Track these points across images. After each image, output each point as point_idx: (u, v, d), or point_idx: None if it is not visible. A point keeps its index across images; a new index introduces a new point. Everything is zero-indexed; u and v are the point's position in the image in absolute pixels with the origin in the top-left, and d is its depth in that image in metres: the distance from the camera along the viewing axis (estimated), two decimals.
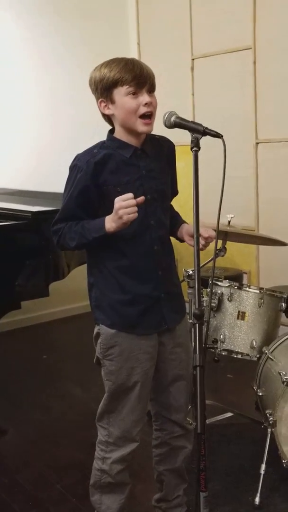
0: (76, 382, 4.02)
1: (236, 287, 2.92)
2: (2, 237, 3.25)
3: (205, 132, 1.92)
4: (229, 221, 3.06)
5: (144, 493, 2.69)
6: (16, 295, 3.29)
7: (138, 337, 2.14)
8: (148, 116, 2.04)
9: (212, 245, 2.25)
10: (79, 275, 3.64)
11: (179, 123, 1.99)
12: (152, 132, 2.15)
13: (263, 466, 2.63)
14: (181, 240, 2.29)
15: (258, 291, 2.91)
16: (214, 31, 4.85)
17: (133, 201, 1.95)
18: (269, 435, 2.63)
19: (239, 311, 2.90)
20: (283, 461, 2.59)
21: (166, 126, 2.02)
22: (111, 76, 2.01)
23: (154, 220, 2.11)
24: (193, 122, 1.96)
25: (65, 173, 2.14)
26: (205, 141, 1.94)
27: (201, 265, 1.88)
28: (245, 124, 4.65)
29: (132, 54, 5.61)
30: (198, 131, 1.92)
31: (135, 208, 1.95)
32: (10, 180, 4.92)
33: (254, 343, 2.87)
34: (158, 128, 2.12)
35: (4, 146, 5.09)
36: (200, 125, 1.93)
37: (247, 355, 2.90)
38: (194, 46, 5.06)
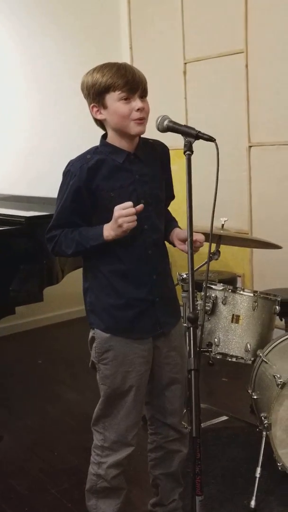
0: (71, 387, 4.02)
1: (230, 291, 2.92)
2: None
3: (198, 136, 1.92)
4: (223, 225, 3.07)
5: (140, 498, 2.69)
6: (10, 300, 3.28)
7: (133, 341, 2.14)
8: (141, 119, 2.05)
9: (205, 249, 2.25)
10: (73, 280, 3.64)
11: (172, 127, 1.99)
12: (146, 136, 2.15)
13: (258, 470, 2.63)
14: (173, 244, 2.29)
15: (252, 294, 2.91)
16: (206, 35, 4.87)
17: (133, 210, 1.97)
18: (264, 438, 2.64)
19: (233, 315, 2.90)
20: (278, 464, 2.60)
21: (159, 130, 2.03)
22: (103, 81, 2.01)
23: (148, 225, 2.11)
24: (186, 126, 1.96)
25: (55, 177, 2.14)
26: (197, 144, 1.94)
27: (195, 269, 1.88)
28: (237, 128, 4.66)
29: (124, 58, 5.62)
30: (191, 135, 1.93)
31: (135, 217, 1.97)
32: (2, 184, 4.91)
33: (249, 346, 2.87)
34: (151, 132, 2.13)
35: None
36: (193, 129, 1.94)
37: (242, 358, 2.90)
38: (186, 50, 5.07)
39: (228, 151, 4.51)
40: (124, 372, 2.14)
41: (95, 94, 2.04)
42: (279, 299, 2.96)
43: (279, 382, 2.56)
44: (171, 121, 2.00)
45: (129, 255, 2.11)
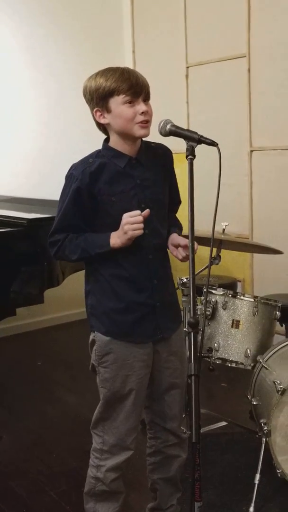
0: (71, 389, 4.01)
1: (230, 296, 2.92)
2: None
3: (201, 140, 1.92)
4: (224, 229, 3.06)
5: (138, 502, 2.68)
6: (11, 302, 3.28)
7: (133, 345, 2.14)
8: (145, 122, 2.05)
9: (206, 253, 2.25)
10: (73, 282, 3.64)
11: (175, 131, 1.99)
12: (148, 140, 2.15)
13: (257, 476, 2.62)
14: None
15: (252, 300, 2.91)
16: (208, 39, 4.87)
17: (140, 218, 1.98)
18: (264, 444, 2.63)
19: (233, 320, 2.89)
20: (278, 471, 2.59)
21: (161, 134, 2.03)
22: (107, 85, 2.01)
23: (148, 229, 2.11)
24: (188, 130, 1.96)
25: (60, 180, 2.14)
26: (199, 149, 1.94)
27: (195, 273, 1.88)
28: (239, 132, 4.67)
29: (127, 62, 5.63)
30: (193, 139, 1.92)
31: (141, 225, 1.99)
32: (5, 186, 4.92)
33: (249, 352, 2.87)
34: (154, 136, 2.13)
35: (1, 154, 5.10)
36: (196, 133, 1.93)
37: (242, 363, 2.90)
38: (189, 54, 5.08)
39: (229, 155, 4.51)
40: (123, 376, 2.14)
41: (99, 98, 2.04)
42: (279, 304, 2.95)
43: (279, 389, 2.56)
44: (173, 125, 2.00)
45: (129, 260, 2.11)
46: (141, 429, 2.29)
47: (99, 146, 2.16)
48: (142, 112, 2.03)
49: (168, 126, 2.00)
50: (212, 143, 1.93)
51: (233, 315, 2.90)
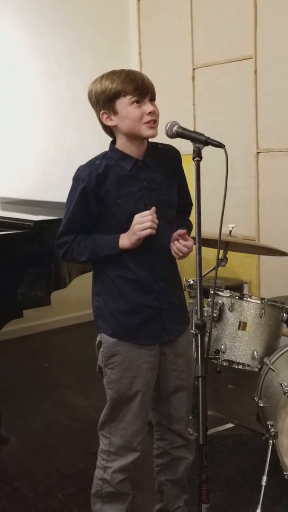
0: (78, 391, 4.02)
1: (237, 297, 2.92)
2: (4, 245, 3.26)
3: (207, 142, 1.93)
4: (230, 231, 3.06)
5: (145, 504, 2.68)
6: (18, 304, 3.29)
7: (139, 346, 2.14)
8: (153, 122, 2.06)
9: (213, 255, 2.25)
10: (80, 284, 3.65)
11: (181, 133, 1.99)
12: (156, 141, 2.15)
13: (264, 478, 2.61)
14: None
15: (259, 302, 2.91)
16: (215, 40, 4.88)
17: (149, 217, 1.99)
18: (271, 446, 2.62)
19: (240, 322, 2.89)
20: (285, 473, 2.58)
21: (168, 136, 2.03)
22: (113, 87, 2.02)
23: (155, 232, 2.11)
24: (195, 132, 1.96)
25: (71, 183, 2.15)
26: (205, 150, 1.94)
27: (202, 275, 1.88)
28: (246, 134, 4.67)
29: (133, 63, 5.64)
30: (200, 141, 1.93)
31: (149, 223, 1.99)
32: (17, 190, 4.94)
33: (255, 354, 2.87)
34: (160, 138, 2.13)
35: (10, 156, 5.12)
36: (202, 135, 1.94)
37: (248, 365, 2.89)
38: (195, 55, 5.08)
39: (236, 157, 4.51)
40: (130, 377, 2.14)
41: (105, 101, 2.05)
42: (286, 306, 2.95)
43: (286, 390, 2.55)
44: (180, 127, 2.00)
45: (136, 262, 2.11)
46: (148, 431, 2.30)
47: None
48: (150, 112, 2.03)
49: (174, 128, 2.00)
50: (219, 145, 1.93)
51: (240, 317, 2.90)
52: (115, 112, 2.05)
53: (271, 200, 4.58)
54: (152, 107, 2.05)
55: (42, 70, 5.26)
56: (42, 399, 3.93)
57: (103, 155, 2.14)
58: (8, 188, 4.97)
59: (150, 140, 2.14)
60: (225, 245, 3.03)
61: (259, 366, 2.88)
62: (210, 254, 2.74)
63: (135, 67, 5.53)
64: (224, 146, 1.92)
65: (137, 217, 2.02)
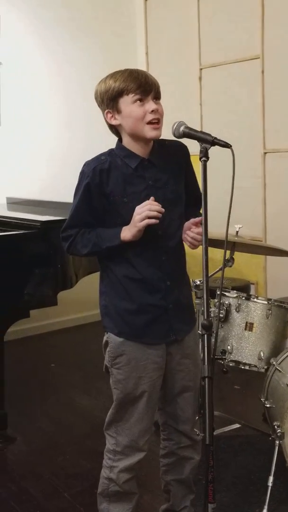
0: (84, 391, 4.02)
1: (243, 298, 2.92)
2: (11, 246, 3.27)
3: (214, 142, 1.92)
4: (237, 232, 3.06)
5: (151, 503, 2.69)
6: (25, 304, 3.30)
7: (145, 346, 2.14)
8: (156, 122, 2.05)
9: (220, 256, 2.25)
10: (87, 285, 3.66)
11: (188, 133, 1.99)
12: (162, 137, 2.14)
13: (270, 478, 2.61)
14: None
15: (266, 302, 2.90)
16: (222, 40, 4.88)
17: (147, 206, 1.98)
18: (277, 447, 2.62)
19: (246, 322, 2.89)
20: None
21: (175, 136, 2.03)
22: (116, 86, 2.03)
23: (161, 230, 2.11)
24: (202, 132, 1.96)
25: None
26: (212, 151, 1.94)
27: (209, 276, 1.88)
28: (253, 134, 4.66)
29: (140, 63, 5.64)
30: (207, 141, 1.92)
31: (145, 213, 1.98)
32: (24, 190, 4.96)
33: (262, 355, 2.86)
34: (167, 138, 2.13)
35: (18, 156, 5.14)
36: (209, 135, 1.93)
37: (255, 366, 2.89)
38: (202, 55, 5.08)
39: (243, 157, 4.50)
40: (136, 377, 2.14)
41: (109, 100, 2.05)
42: None
43: None
44: (187, 127, 2.00)
45: (142, 261, 2.11)
46: (155, 431, 2.30)
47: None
48: (152, 111, 2.03)
49: (181, 128, 2.00)
50: (226, 145, 1.93)
51: (247, 317, 2.90)
52: (119, 111, 2.06)
53: (278, 200, 4.57)
54: (155, 105, 2.04)
55: (51, 71, 5.28)
56: (48, 399, 3.94)
57: (109, 152, 2.14)
58: (15, 189, 4.99)
59: None
60: (232, 245, 3.03)
61: (265, 367, 2.87)
62: (217, 255, 2.74)
63: (141, 67, 5.53)
64: (231, 146, 1.92)
65: (137, 209, 2.01)
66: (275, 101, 4.49)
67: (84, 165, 2.13)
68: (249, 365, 2.90)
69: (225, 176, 2.03)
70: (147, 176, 2.11)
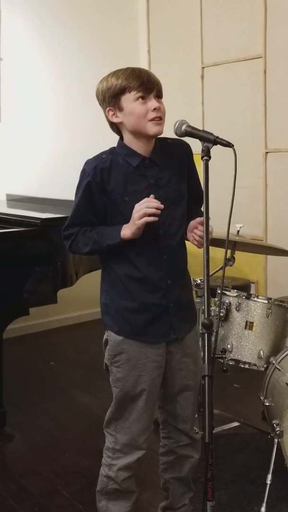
0: (83, 389, 4.03)
1: (244, 297, 2.92)
2: (11, 243, 3.27)
3: (216, 141, 1.92)
4: (238, 231, 3.06)
5: (150, 501, 2.69)
6: (25, 301, 3.31)
7: (145, 345, 2.14)
8: (158, 120, 2.05)
9: (221, 255, 2.25)
10: (87, 283, 3.66)
11: (190, 132, 1.98)
12: (164, 135, 2.14)
13: (269, 476, 2.62)
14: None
15: (266, 301, 2.91)
16: (224, 39, 4.87)
17: (145, 204, 1.97)
18: (276, 445, 2.63)
19: (247, 321, 2.90)
20: None
21: (177, 134, 2.03)
22: (118, 83, 2.02)
23: (163, 230, 2.11)
24: (204, 131, 1.95)
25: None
26: (214, 150, 1.94)
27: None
28: (254, 133, 4.66)
29: (142, 61, 5.64)
30: (209, 140, 1.92)
31: (143, 210, 1.97)
32: (24, 187, 4.96)
33: (262, 353, 2.87)
34: (168, 136, 2.13)
35: (18, 153, 5.14)
36: (211, 134, 1.93)
37: (254, 365, 2.90)
38: (204, 54, 5.08)
39: (244, 157, 4.48)
40: (136, 376, 2.14)
41: (111, 97, 2.05)
42: None
43: None
44: (189, 126, 1.99)
45: (143, 260, 2.11)
46: (154, 429, 2.30)
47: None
48: (154, 109, 2.02)
49: (183, 127, 1.99)
50: (228, 144, 1.92)
51: (247, 316, 2.90)
52: (121, 109, 2.05)
53: (279, 200, 4.57)
54: (158, 104, 2.03)
55: (52, 69, 5.28)
56: (47, 396, 3.94)
57: (110, 150, 2.13)
58: (16, 185, 4.98)
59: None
60: (233, 245, 3.03)
61: (265, 366, 2.88)
62: (217, 254, 2.74)
63: (144, 65, 5.52)
64: (233, 145, 1.92)
65: (136, 206, 2.00)
66: (277, 101, 4.49)
67: (85, 163, 2.12)
68: (249, 363, 2.90)
69: (227, 175, 2.03)
70: (149, 175, 2.11)
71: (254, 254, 4.34)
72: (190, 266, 2.26)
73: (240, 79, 4.77)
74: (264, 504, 2.60)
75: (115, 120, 2.09)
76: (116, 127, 2.14)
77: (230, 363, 2.92)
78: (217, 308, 2.83)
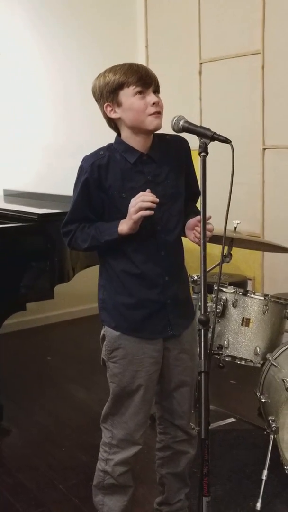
0: (80, 384, 4.03)
1: (240, 294, 2.92)
2: (8, 238, 3.27)
3: (214, 137, 1.91)
4: (235, 227, 3.07)
5: (146, 496, 2.70)
6: (21, 296, 3.31)
7: (142, 340, 2.14)
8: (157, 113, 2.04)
9: (217, 251, 2.25)
10: (84, 278, 3.66)
11: (188, 128, 1.97)
12: (163, 131, 2.14)
13: (265, 472, 2.63)
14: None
15: (263, 298, 2.91)
16: (222, 35, 4.87)
17: (140, 198, 1.97)
18: (272, 441, 2.64)
19: (243, 318, 2.90)
20: (285, 467, 2.60)
21: (174, 130, 2.02)
22: (116, 78, 2.02)
23: (160, 226, 2.11)
24: (201, 127, 1.95)
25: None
26: (211, 146, 1.94)
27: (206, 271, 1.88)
28: (252, 130, 4.66)
29: (140, 57, 5.63)
30: (206, 136, 1.92)
31: (139, 204, 1.96)
32: (21, 182, 4.95)
33: (258, 350, 2.88)
34: (166, 132, 2.13)
35: (16, 148, 5.13)
36: (209, 130, 1.93)
37: (251, 361, 2.90)
38: (202, 50, 5.07)
39: (242, 153, 4.49)
40: (133, 371, 2.14)
41: (109, 93, 2.04)
42: None
43: (287, 386, 2.57)
44: (186, 122, 1.98)
45: (141, 256, 2.11)
46: (150, 424, 2.31)
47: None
48: (153, 103, 2.02)
49: (181, 123, 1.99)
50: (226, 140, 1.92)
51: (243, 313, 2.91)
52: (119, 104, 2.04)
53: (277, 197, 4.57)
54: (156, 98, 2.03)
55: (50, 64, 5.27)
56: (44, 391, 3.95)
57: (108, 147, 2.13)
58: (13, 181, 4.98)
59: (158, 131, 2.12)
60: (230, 241, 3.04)
61: (261, 362, 2.89)
62: (214, 250, 2.74)
63: (141, 61, 5.52)
64: (231, 141, 1.92)
65: (132, 201, 2.00)
66: (275, 97, 4.49)
67: (83, 160, 2.12)
68: (245, 360, 2.91)
69: (224, 171, 2.03)
70: (146, 171, 2.10)
71: (251, 250, 4.35)
72: (187, 263, 2.26)
73: (238, 75, 4.77)
74: (259, 500, 2.61)
75: (113, 115, 2.08)
76: (113, 123, 2.13)
77: (227, 359, 2.93)
78: (214, 305, 2.83)
